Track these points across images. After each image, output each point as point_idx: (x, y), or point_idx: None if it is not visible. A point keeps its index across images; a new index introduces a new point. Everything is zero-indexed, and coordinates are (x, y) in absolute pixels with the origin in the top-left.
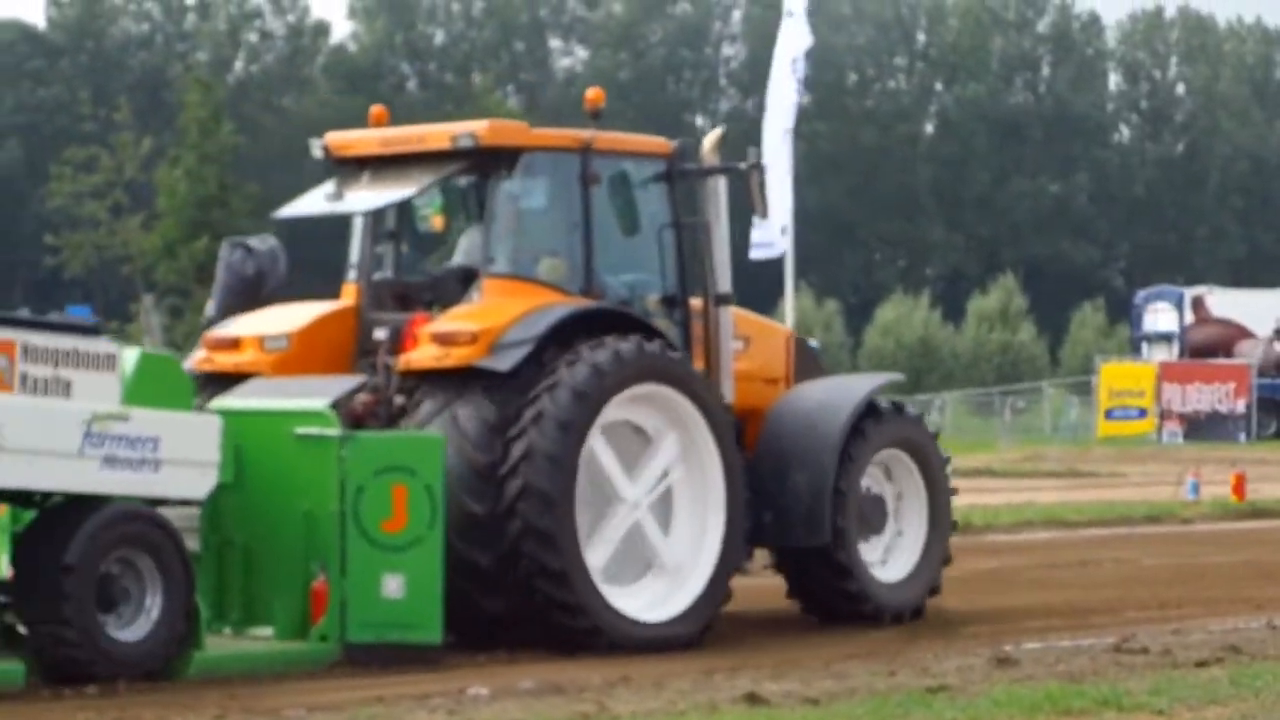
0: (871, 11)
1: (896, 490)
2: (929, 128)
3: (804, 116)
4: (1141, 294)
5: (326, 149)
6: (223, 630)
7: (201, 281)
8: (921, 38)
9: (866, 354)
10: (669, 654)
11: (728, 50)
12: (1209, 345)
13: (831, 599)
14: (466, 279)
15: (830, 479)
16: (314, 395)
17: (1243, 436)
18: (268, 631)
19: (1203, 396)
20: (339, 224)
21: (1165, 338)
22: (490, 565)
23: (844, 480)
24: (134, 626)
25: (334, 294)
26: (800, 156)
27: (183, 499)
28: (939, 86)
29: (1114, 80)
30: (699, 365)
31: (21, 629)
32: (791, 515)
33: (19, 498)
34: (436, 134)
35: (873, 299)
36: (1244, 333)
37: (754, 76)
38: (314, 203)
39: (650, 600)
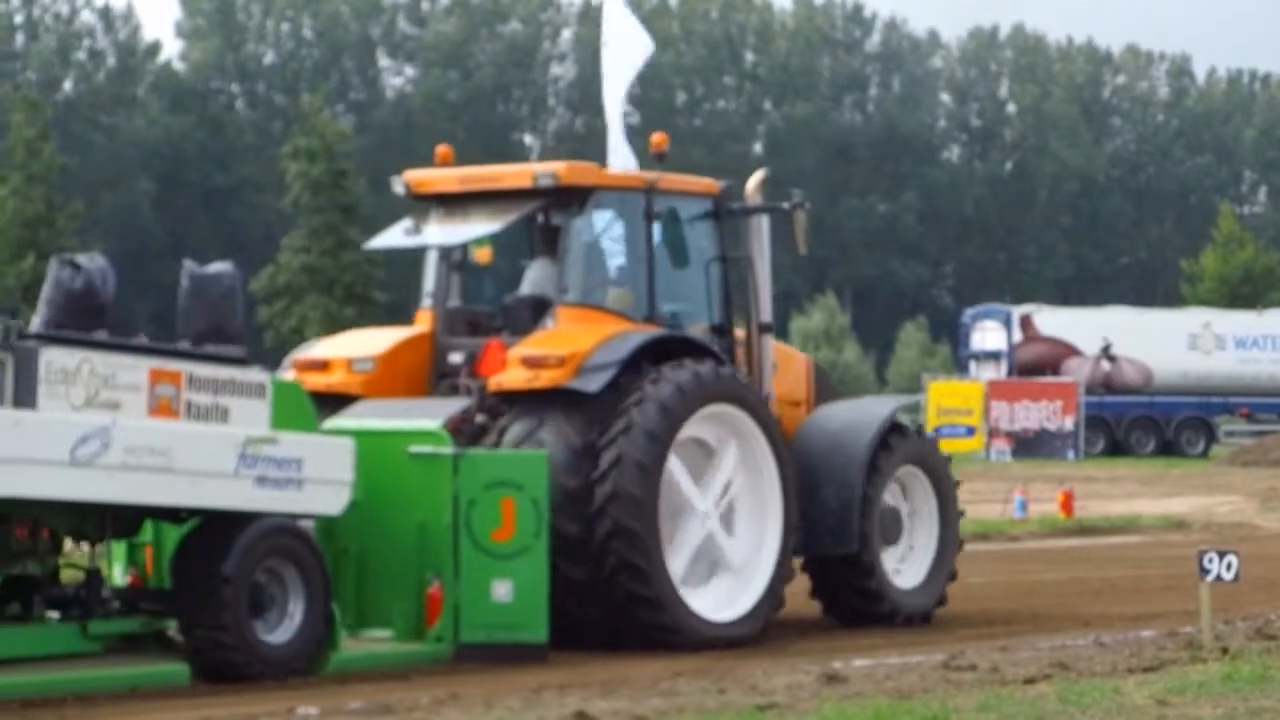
0: (700, 31)
1: (911, 504)
2: (758, 147)
3: (632, 135)
4: (969, 312)
5: (407, 186)
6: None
7: (29, 301)
8: (750, 57)
9: None
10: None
11: (557, 70)
12: (1037, 363)
13: (854, 602)
14: (537, 307)
15: (857, 493)
16: (425, 416)
17: (1071, 454)
18: (386, 634)
19: (1030, 414)
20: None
21: (993, 356)
22: (582, 576)
23: (869, 494)
24: (280, 630)
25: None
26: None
27: (321, 514)
28: (768, 106)
29: (944, 99)
30: None
31: (174, 633)
32: (821, 526)
33: (168, 514)
34: (516, 173)
35: None
36: (1072, 351)
37: (583, 96)
38: (397, 236)
39: (716, 600)
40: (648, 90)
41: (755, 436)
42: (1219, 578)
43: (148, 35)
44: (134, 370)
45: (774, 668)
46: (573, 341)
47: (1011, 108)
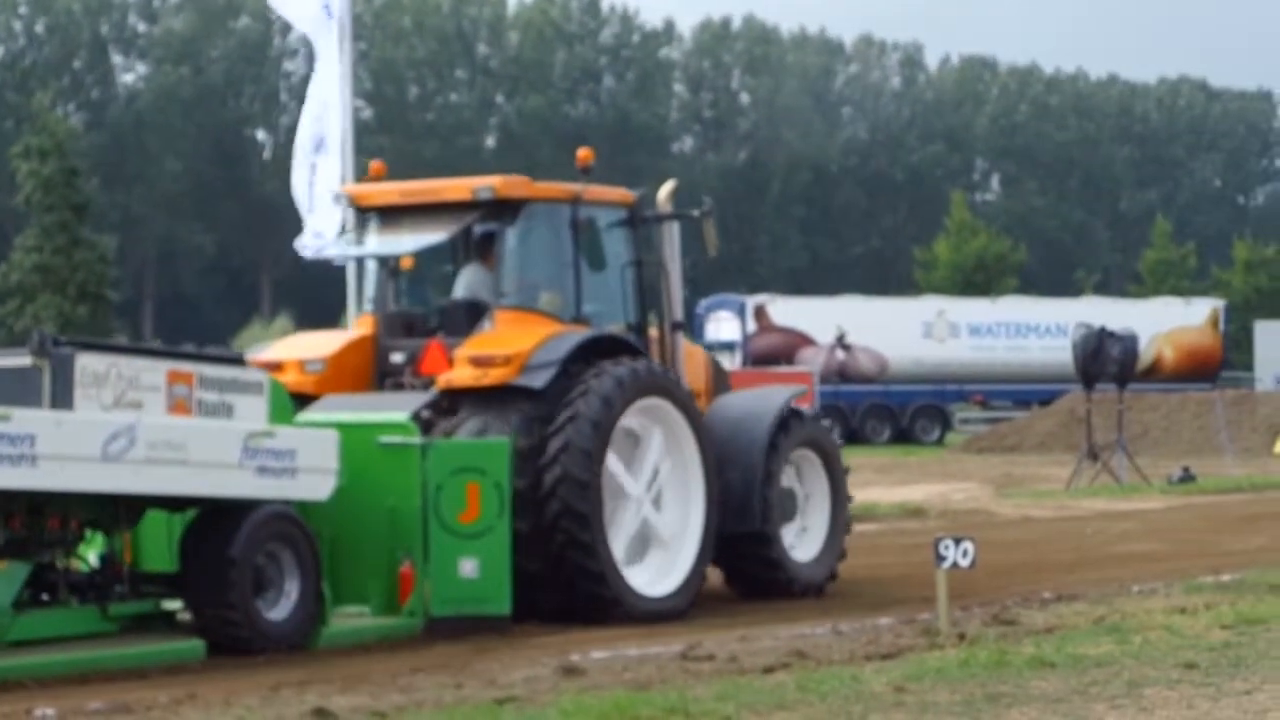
0: (432, 24)
1: (805, 484)
2: (490, 140)
3: (365, 130)
4: (704, 303)
5: (350, 198)
6: None
7: None
8: (483, 50)
9: None
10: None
11: (289, 65)
12: (771, 353)
13: (756, 575)
14: (472, 310)
15: (759, 474)
16: (392, 409)
17: None
18: (361, 610)
19: None
20: None
21: (728, 346)
22: (536, 569)
23: (768, 475)
24: (278, 608)
25: None
26: (363, 170)
27: (312, 500)
28: (500, 99)
29: (678, 90)
30: None
31: (183, 613)
32: (726, 505)
33: (173, 503)
34: (455, 186)
35: None
36: (806, 340)
37: None
38: (342, 247)
39: (650, 577)
40: (380, 85)
41: (681, 426)
42: (955, 565)
43: None
44: (154, 372)
45: (512, 661)
46: (515, 342)
47: (744, 98)
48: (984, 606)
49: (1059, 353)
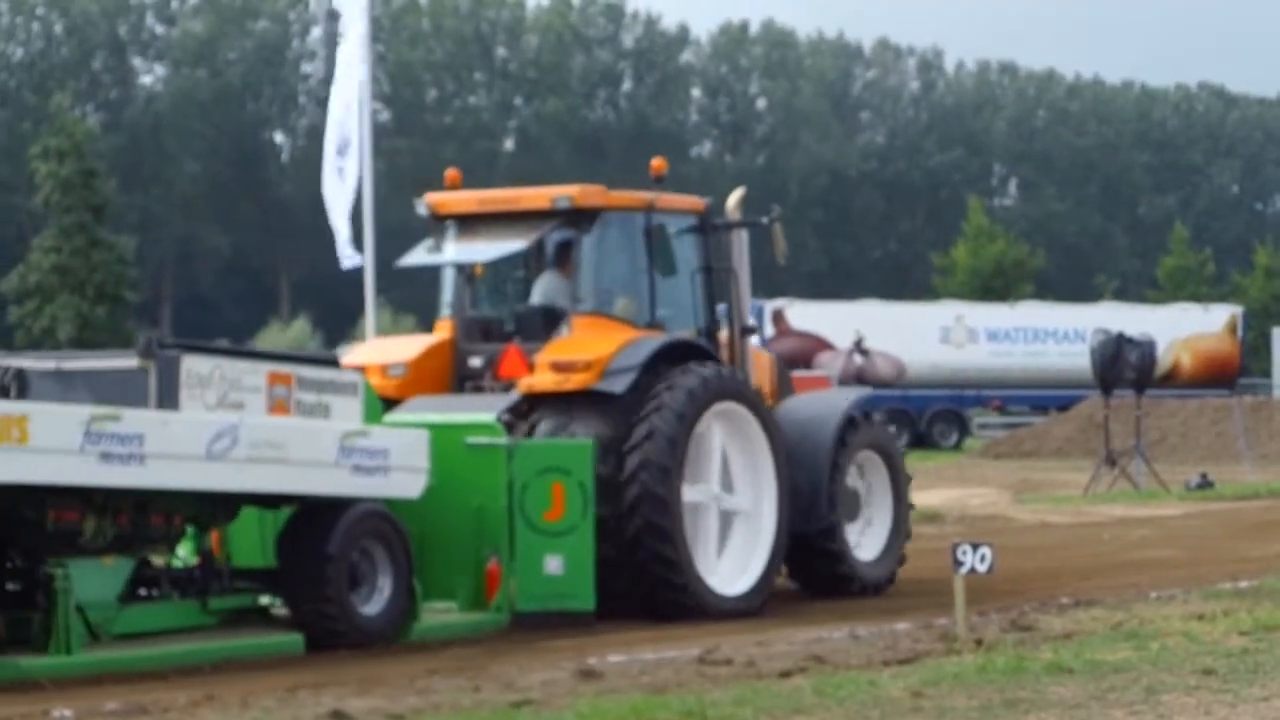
0: (450, 27)
1: (868, 484)
2: (509, 144)
3: (383, 133)
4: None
5: (429, 206)
6: None
7: None
8: (501, 53)
9: None
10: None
11: (307, 68)
12: (790, 357)
13: (822, 574)
14: (548, 315)
15: (825, 476)
16: (479, 410)
17: None
18: (448, 606)
19: None
20: None
21: None
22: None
23: (834, 477)
24: (372, 603)
25: None
26: (380, 173)
27: (404, 498)
28: (519, 102)
29: (696, 94)
30: None
31: (277, 608)
32: (794, 506)
33: (268, 501)
34: (534, 196)
35: None
36: (824, 345)
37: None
38: (422, 255)
39: (725, 577)
40: (398, 88)
41: (755, 429)
42: (973, 570)
43: None
44: (254, 374)
45: (529, 664)
46: (594, 347)
47: (762, 103)
48: (1002, 612)
49: (1077, 358)
